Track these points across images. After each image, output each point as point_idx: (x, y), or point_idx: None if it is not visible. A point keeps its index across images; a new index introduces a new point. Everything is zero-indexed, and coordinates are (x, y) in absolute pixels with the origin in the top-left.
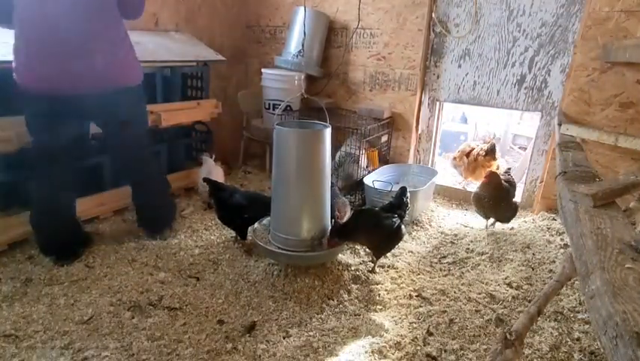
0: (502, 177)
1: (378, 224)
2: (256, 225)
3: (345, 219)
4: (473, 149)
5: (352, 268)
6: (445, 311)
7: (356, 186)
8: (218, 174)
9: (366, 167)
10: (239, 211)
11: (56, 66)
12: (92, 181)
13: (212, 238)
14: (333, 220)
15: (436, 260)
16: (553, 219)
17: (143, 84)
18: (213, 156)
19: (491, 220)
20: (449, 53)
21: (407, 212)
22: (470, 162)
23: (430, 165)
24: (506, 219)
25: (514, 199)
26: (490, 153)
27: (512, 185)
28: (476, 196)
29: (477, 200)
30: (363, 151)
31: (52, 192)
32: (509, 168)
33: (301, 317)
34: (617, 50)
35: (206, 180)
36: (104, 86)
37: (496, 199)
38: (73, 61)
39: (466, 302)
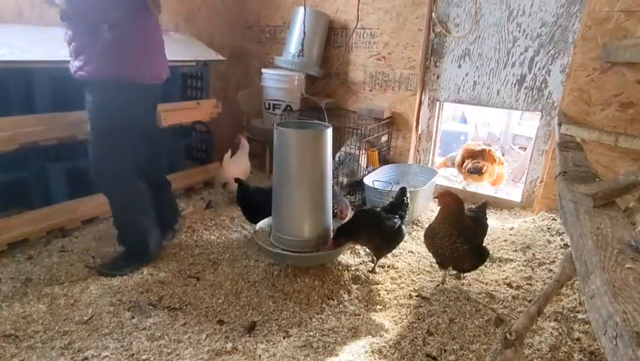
0: (469, 213)
1: (380, 225)
2: (257, 226)
3: (347, 219)
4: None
5: (352, 268)
6: (445, 311)
7: (356, 186)
8: (241, 166)
9: (366, 167)
10: (264, 211)
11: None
12: (90, 182)
13: (212, 238)
14: (334, 220)
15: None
16: (553, 219)
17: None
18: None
19: (450, 271)
20: (449, 53)
21: (407, 212)
22: (465, 165)
23: (430, 165)
24: (465, 268)
25: (483, 243)
26: (476, 173)
27: (479, 223)
28: (428, 231)
29: (428, 236)
30: (363, 151)
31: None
32: (485, 203)
33: (301, 317)
34: (617, 50)
35: (237, 180)
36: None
37: (452, 236)
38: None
39: (466, 302)
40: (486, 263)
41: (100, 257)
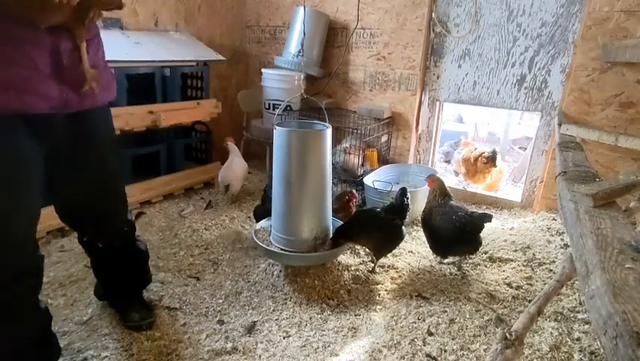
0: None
1: (380, 225)
2: (257, 226)
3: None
4: (479, 153)
5: (352, 268)
6: (445, 311)
7: (355, 186)
8: (241, 167)
9: (362, 164)
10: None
11: None
12: None
13: (212, 237)
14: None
15: (436, 260)
16: (554, 219)
17: None
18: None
19: (449, 259)
20: (449, 53)
21: (408, 213)
22: (469, 166)
23: (430, 165)
24: (440, 251)
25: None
26: (491, 160)
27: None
28: (422, 215)
29: (422, 220)
30: (361, 151)
31: None
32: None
33: (301, 317)
34: (617, 50)
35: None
36: None
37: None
38: None
39: (466, 302)
40: (486, 263)
41: None
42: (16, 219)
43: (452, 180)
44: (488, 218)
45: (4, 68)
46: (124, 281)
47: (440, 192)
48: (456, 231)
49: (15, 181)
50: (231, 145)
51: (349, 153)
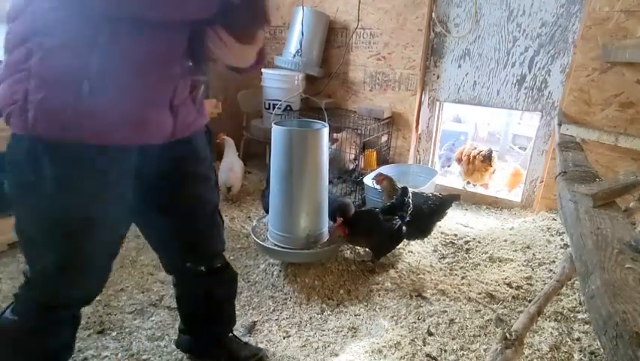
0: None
1: (379, 225)
2: (255, 223)
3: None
4: (477, 152)
5: (352, 269)
6: (445, 311)
7: (355, 185)
8: (240, 166)
9: (354, 158)
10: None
11: None
12: None
13: None
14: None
15: (436, 260)
16: (554, 219)
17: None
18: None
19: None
20: (449, 53)
21: (408, 213)
22: (467, 164)
23: (430, 165)
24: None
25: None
26: (487, 159)
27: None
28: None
29: None
30: (355, 145)
31: None
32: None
33: (301, 317)
34: (617, 50)
35: None
36: None
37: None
38: None
39: (466, 302)
40: (486, 263)
41: None
42: (98, 257)
43: (453, 181)
44: (457, 197)
45: (138, 104)
46: (232, 311)
47: (393, 189)
48: (432, 212)
49: (109, 223)
50: (227, 140)
51: (336, 141)
